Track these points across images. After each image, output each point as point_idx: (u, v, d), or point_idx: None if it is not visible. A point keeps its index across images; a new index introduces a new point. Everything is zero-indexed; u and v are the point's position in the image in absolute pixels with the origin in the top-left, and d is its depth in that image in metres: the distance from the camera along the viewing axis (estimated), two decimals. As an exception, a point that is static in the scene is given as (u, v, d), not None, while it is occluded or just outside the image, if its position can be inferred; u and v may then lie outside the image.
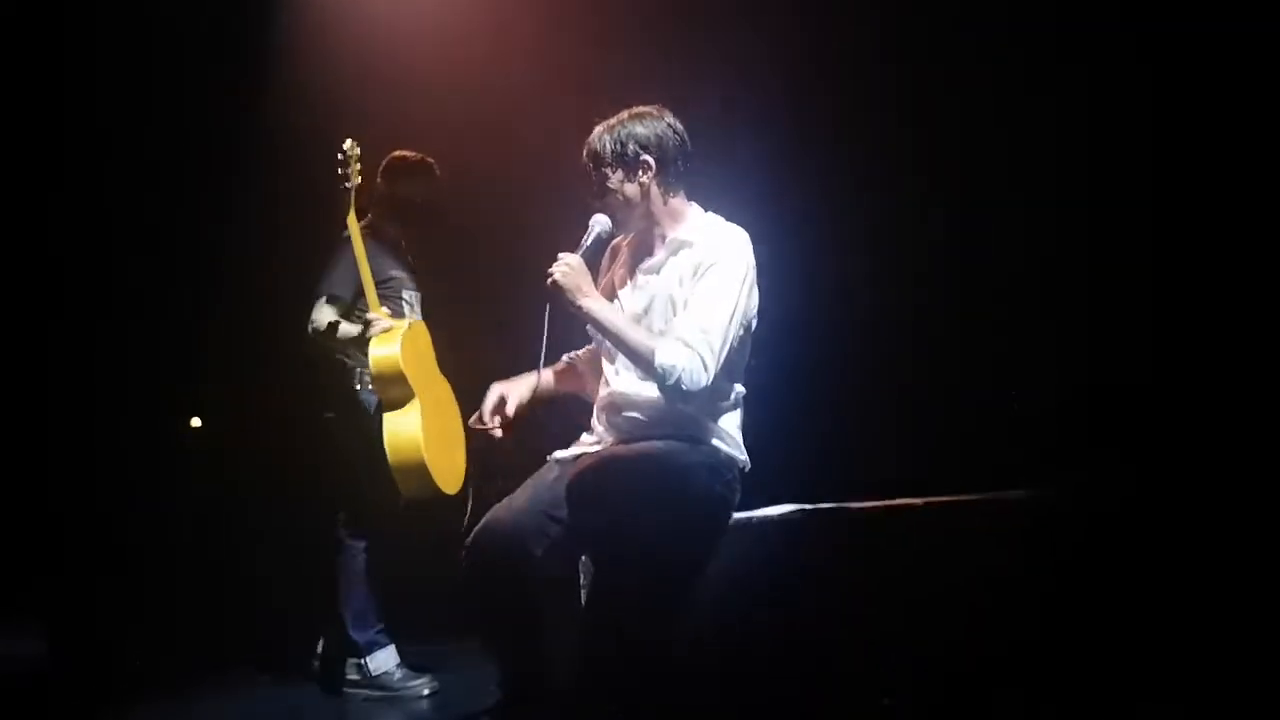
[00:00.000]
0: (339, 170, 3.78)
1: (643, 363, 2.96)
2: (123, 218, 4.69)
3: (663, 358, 2.91)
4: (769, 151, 4.07)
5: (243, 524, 5.01)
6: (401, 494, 3.66)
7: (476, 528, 3.02)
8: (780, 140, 4.17)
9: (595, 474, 2.83)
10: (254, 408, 4.63)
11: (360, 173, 3.82)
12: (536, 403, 3.24)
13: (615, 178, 3.10)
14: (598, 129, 3.14)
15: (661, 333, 3.00)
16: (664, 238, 3.15)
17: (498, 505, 3.07)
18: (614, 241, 3.28)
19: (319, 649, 4.14)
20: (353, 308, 3.92)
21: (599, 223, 3.13)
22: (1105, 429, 3.71)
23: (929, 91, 4.11)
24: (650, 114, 3.12)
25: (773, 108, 4.18)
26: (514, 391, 3.19)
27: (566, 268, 2.98)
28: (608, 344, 3.16)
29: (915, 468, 3.69)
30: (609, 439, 3.12)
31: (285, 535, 4.64)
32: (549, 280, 2.98)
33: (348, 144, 3.80)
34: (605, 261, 3.27)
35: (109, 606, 4.66)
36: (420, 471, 3.61)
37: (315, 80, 4.66)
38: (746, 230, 3.09)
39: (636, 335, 2.97)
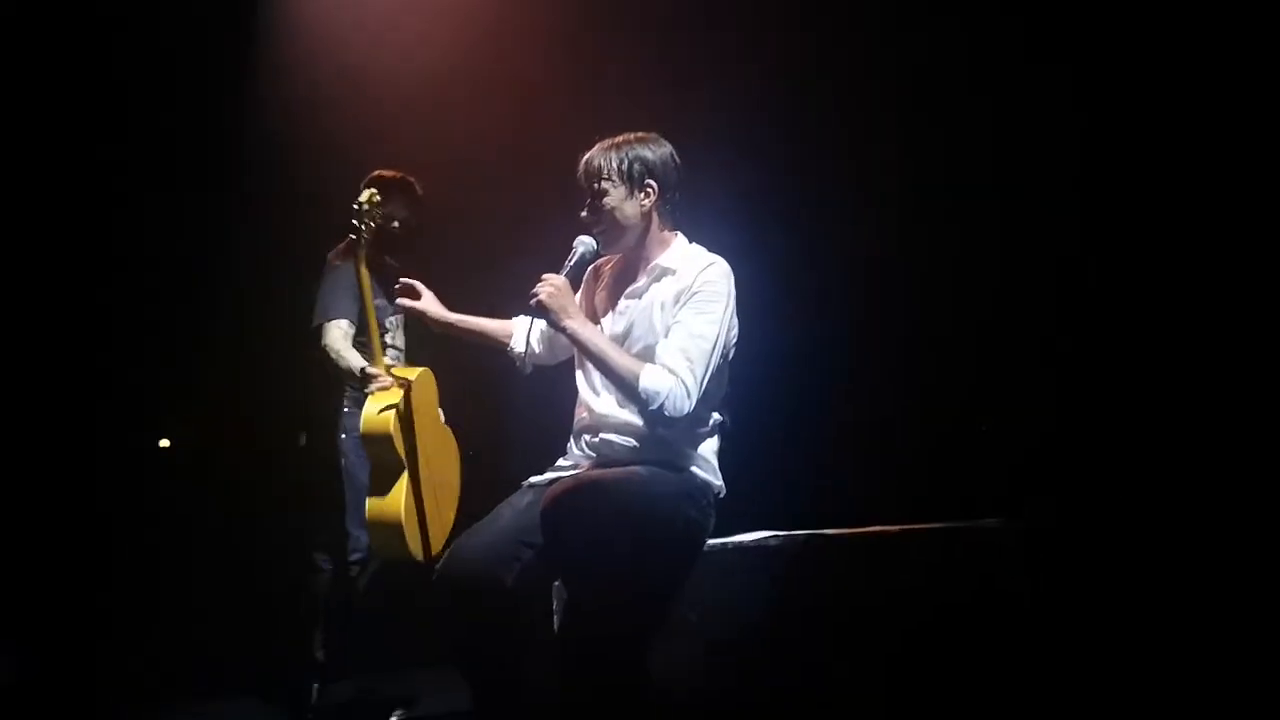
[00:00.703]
0: (354, 221, 3.54)
1: (626, 387, 2.96)
2: (104, 229, 4.65)
3: (647, 382, 2.91)
4: (749, 181, 4.08)
5: (217, 541, 4.97)
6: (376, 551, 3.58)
7: (446, 555, 3.00)
8: (761, 170, 4.19)
9: (570, 498, 2.82)
10: (229, 427, 4.61)
11: (375, 225, 3.62)
12: (451, 328, 3.37)
13: (616, 195, 3.09)
14: (600, 145, 3.12)
15: (641, 358, 3.00)
16: (647, 263, 3.16)
17: (469, 531, 3.06)
18: (595, 264, 3.28)
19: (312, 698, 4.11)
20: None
21: (583, 243, 3.10)
22: (1079, 456, 3.72)
23: (907, 119, 4.13)
24: (654, 140, 3.13)
25: (751, 141, 4.19)
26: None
27: (552, 289, 2.96)
28: (588, 365, 3.16)
29: (889, 495, 3.70)
30: (585, 463, 3.12)
31: (256, 554, 4.61)
32: (533, 300, 2.96)
33: (366, 195, 3.57)
34: (586, 283, 3.26)
35: (84, 621, 4.63)
36: (398, 543, 3.42)
37: (299, 90, 4.62)
38: (727, 260, 3.10)
39: (621, 359, 2.97)
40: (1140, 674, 3.16)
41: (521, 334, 3.43)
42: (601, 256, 3.20)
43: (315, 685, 4.01)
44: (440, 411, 3.79)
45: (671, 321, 3.03)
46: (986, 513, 3.38)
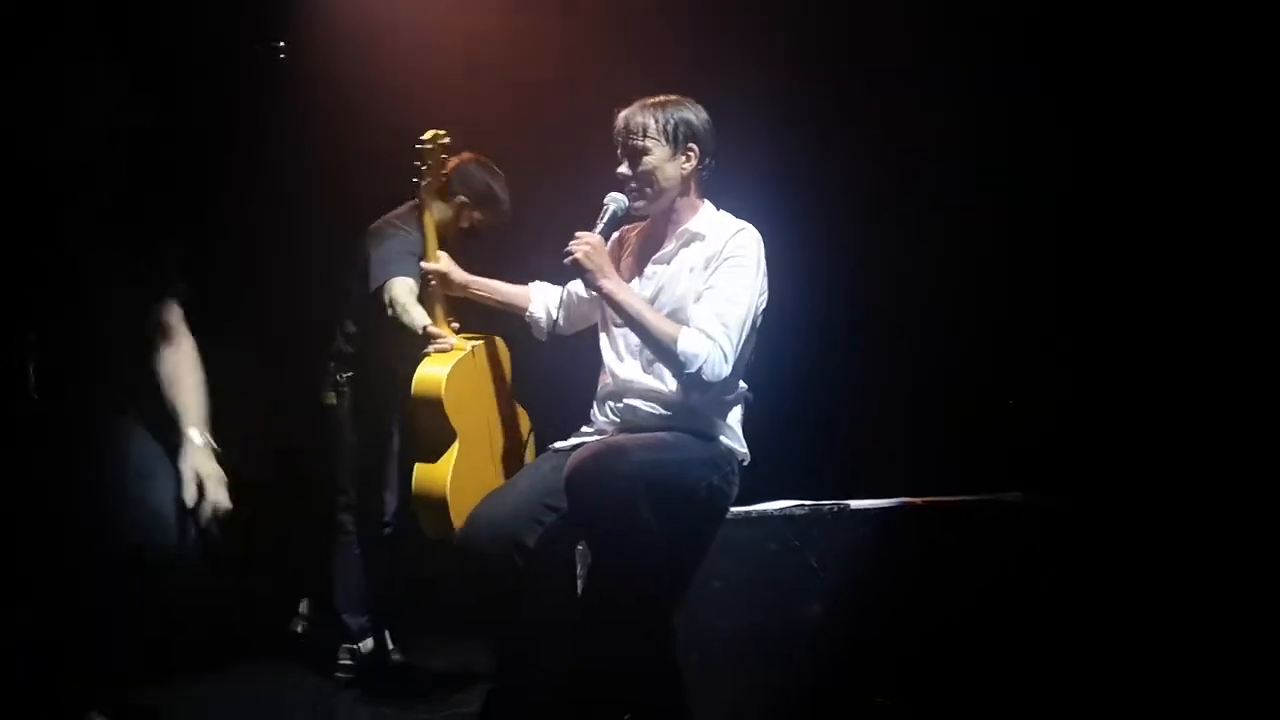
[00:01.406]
0: (416, 162, 3.30)
1: (663, 350, 2.95)
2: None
3: (685, 345, 2.90)
4: (774, 147, 4.05)
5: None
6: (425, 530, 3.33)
7: (469, 515, 3.01)
8: (785, 135, 4.15)
9: (594, 463, 2.81)
10: (255, 391, 4.59)
11: (441, 165, 3.37)
12: (469, 291, 3.36)
13: (658, 155, 3.06)
14: (641, 103, 3.08)
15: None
16: (676, 228, 3.14)
17: (491, 494, 3.07)
18: (620, 230, 3.27)
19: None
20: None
21: (614, 200, 3.06)
22: (1105, 434, 3.70)
23: (936, 94, 4.09)
24: (694, 104, 3.10)
25: (785, 100, 4.15)
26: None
27: (588, 246, 2.93)
28: (613, 331, 3.15)
29: (916, 466, 3.69)
30: (609, 429, 3.12)
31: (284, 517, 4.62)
32: (568, 258, 2.93)
33: (430, 134, 3.30)
34: (611, 248, 3.22)
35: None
36: (440, 516, 3.17)
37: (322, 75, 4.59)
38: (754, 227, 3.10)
39: (659, 322, 2.95)
40: (1154, 657, 3.15)
41: (540, 300, 3.42)
42: (633, 216, 3.16)
43: (343, 645, 4.02)
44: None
45: (703, 287, 3.02)
46: (1010, 487, 3.37)
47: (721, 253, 3.03)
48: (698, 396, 3.00)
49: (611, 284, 2.96)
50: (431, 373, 3.25)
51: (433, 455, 3.21)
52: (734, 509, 3.13)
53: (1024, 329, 3.98)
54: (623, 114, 3.09)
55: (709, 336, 2.92)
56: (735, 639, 3.08)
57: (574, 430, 3.22)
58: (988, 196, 3.99)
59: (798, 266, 3.41)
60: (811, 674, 3.11)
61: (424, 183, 3.32)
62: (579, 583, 2.99)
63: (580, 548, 3.00)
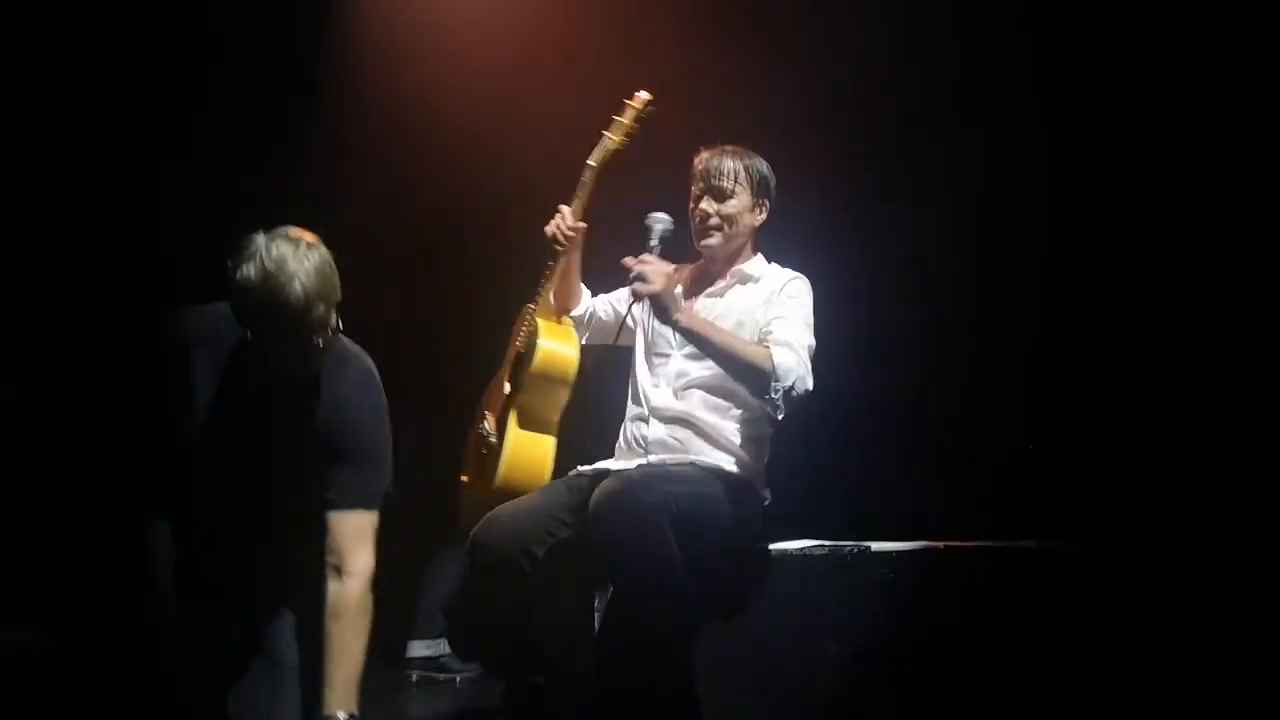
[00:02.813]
0: (618, 117, 3.18)
1: (753, 369, 2.93)
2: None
3: (780, 359, 2.92)
4: (806, 178, 4.03)
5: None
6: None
7: (481, 521, 3.02)
8: (812, 165, 4.13)
9: (622, 492, 2.82)
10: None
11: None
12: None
13: (741, 202, 3.13)
14: (727, 148, 3.14)
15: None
16: (729, 269, 3.19)
17: (509, 502, 3.08)
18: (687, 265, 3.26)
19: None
20: None
21: (660, 221, 3.02)
22: (1126, 480, 3.70)
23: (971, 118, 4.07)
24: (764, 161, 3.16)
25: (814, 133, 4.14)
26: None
27: (665, 278, 2.89)
28: (652, 359, 3.16)
29: (935, 510, 3.68)
30: (636, 457, 3.12)
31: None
32: (644, 288, 2.87)
33: (644, 97, 3.19)
34: None
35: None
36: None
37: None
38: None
39: (746, 343, 2.97)
40: (1174, 704, 3.14)
41: (586, 305, 3.38)
42: (688, 256, 3.18)
43: (411, 641, 4.07)
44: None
45: (766, 319, 3.05)
46: (1027, 533, 3.35)
47: (782, 290, 3.09)
48: (777, 416, 2.98)
49: (687, 316, 2.95)
50: (564, 350, 3.28)
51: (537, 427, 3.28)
52: (755, 547, 3.12)
53: (1047, 376, 3.97)
54: (711, 155, 3.14)
55: (796, 351, 2.94)
56: (752, 678, 3.08)
57: (600, 455, 3.22)
58: (1014, 246, 3.98)
59: (823, 310, 3.40)
60: (829, 716, 3.10)
61: (617, 139, 3.21)
62: (596, 616, 2.99)
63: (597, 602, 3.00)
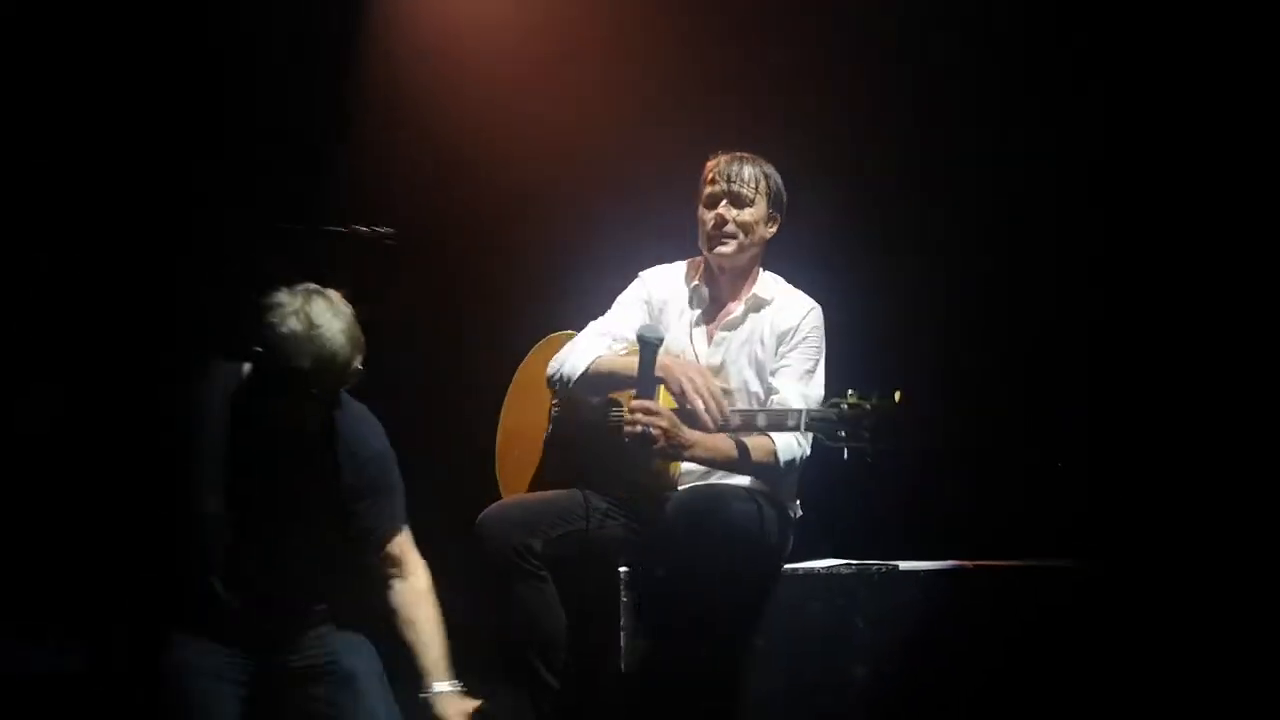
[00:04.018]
0: None
1: (767, 468, 2.96)
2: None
3: (785, 455, 2.94)
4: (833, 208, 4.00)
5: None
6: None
7: (485, 512, 3.01)
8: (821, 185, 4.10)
9: (707, 510, 2.84)
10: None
11: None
12: None
13: (758, 211, 3.06)
14: (744, 155, 3.09)
15: (734, 389, 3.03)
16: (743, 293, 3.13)
17: (517, 496, 3.11)
18: (690, 285, 3.19)
19: None
20: None
21: (651, 331, 2.92)
22: (1154, 501, 3.65)
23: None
24: None
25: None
26: None
27: (666, 424, 2.82)
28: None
29: (965, 529, 3.63)
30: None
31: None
32: (654, 444, 2.81)
33: None
34: (671, 301, 3.18)
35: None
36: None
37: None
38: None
39: (751, 455, 2.93)
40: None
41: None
42: (713, 269, 3.13)
43: None
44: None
45: (779, 363, 3.03)
46: (1062, 552, 3.31)
47: (798, 330, 3.04)
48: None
49: (696, 450, 2.88)
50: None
51: None
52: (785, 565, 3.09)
53: (1077, 393, 3.92)
54: (730, 159, 3.07)
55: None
56: (778, 698, 3.03)
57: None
58: (1033, 260, 3.95)
59: (848, 321, 3.37)
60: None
61: None
62: (622, 635, 2.98)
63: (625, 600, 2.95)
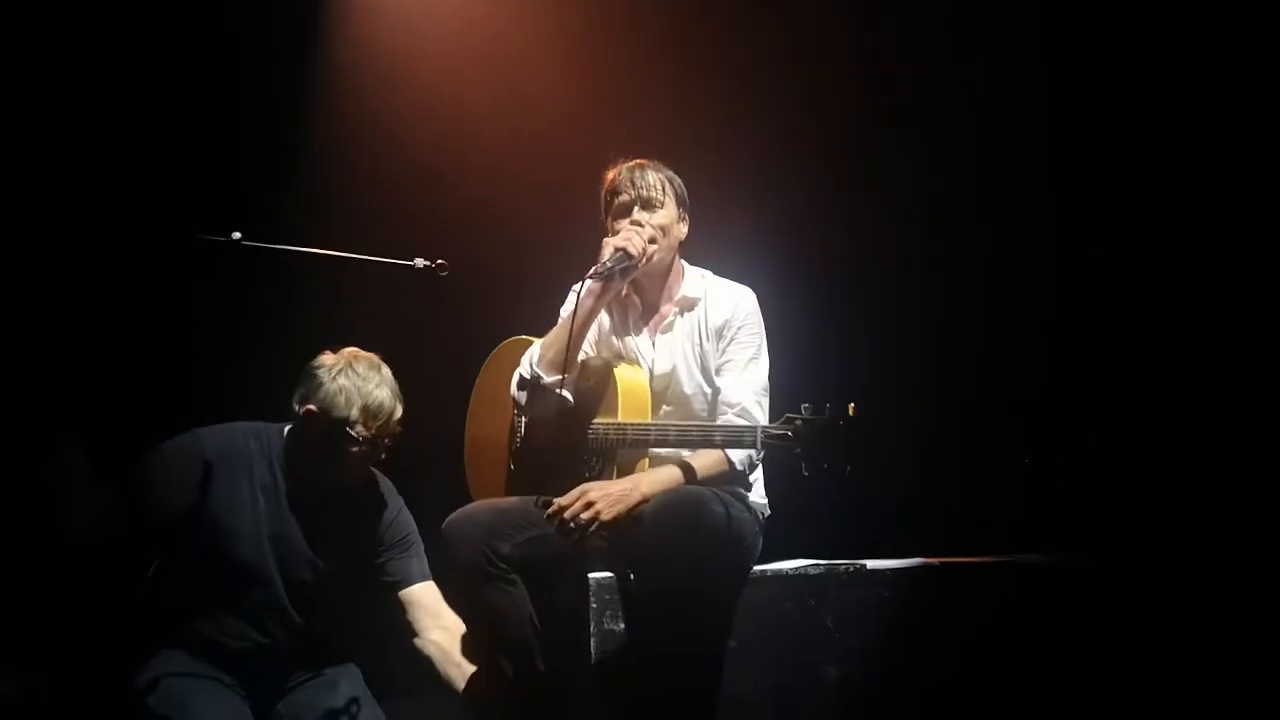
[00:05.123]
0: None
1: (722, 477, 2.98)
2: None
3: (739, 461, 2.96)
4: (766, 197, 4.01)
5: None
6: None
7: (452, 516, 3.02)
8: (781, 185, 4.11)
9: (683, 513, 2.83)
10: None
11: None
12: None
13: (669, 213, 3.09)
14: (640, 161, 3.10)
15: (686, 394, 3.05)
16: (669, 294, 3.15)
17: (487, 499, 3.12)
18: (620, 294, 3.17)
19: None
20: None
21: (620, 249, 2.98)
22: (1124, 493, 3.67)
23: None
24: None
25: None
26: None
27: (603, 502, 2.84)
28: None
29: (933, 527, 3.64)
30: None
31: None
32: (592, 527, 2.84)
33: None
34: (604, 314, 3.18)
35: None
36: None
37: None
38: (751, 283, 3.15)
39: (704, 470, 2.96)
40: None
41: None
42: (632, 271, 3.08)
43: None
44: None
45: (721, 359, 3.05)
46: (1029, 548, 3.33)
47: (731, 321, 3.07)
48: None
49: (644, 492, 2.89)
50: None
51: None
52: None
53: (1041, 388, 3.94)
54: (630, 168, 3.10)
55: (748, 414, 2.97)
56: (750, 699, 3.02)
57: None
58: (1011, 250, 3.97)
59: (812, 320, 3.38)
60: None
61: None
62: (592, 640, 2.97)
63: (594, 605, 2.94)
